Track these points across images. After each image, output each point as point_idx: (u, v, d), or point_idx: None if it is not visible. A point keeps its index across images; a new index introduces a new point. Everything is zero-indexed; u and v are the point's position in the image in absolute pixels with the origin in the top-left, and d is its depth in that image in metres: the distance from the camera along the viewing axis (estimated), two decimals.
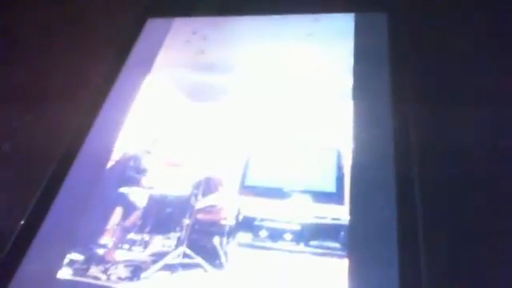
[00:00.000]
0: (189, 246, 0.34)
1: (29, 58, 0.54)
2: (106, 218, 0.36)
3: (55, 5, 0.60)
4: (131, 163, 0.39)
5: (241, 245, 0.33)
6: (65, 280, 0.33)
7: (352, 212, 0.33)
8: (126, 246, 0.34)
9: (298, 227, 0.33)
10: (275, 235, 0.33)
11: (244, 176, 0.37)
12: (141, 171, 0.39)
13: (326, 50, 0.45)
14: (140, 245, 0.34)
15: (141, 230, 0.35)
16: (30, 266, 0.34)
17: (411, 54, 0.43)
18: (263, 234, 0.33)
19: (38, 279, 0.34)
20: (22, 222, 0.37)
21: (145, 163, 0.39)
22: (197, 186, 0.37)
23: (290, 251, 0.32)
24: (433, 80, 0.43)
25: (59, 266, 0.34)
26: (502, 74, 0.43)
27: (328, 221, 0.33)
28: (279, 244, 0.33)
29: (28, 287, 0.34)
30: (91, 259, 0.34)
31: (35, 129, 0.46)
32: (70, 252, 0.35)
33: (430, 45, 0.46)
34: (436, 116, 0.40)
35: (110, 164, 0.40)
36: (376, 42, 0.44)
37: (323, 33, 0.47)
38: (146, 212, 0.36)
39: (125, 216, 0.36)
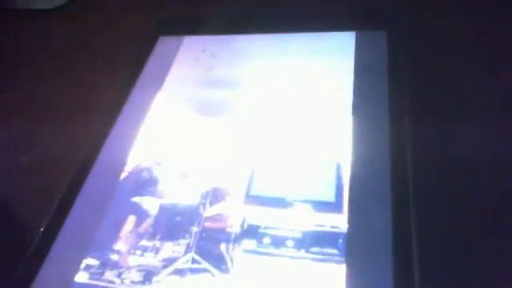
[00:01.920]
0: (197, 252, 0.36)
1: (45, 74, 0.57)
2: (119, 226, 0.38)
3: (69, 24, 0.63)
4: (143, 174, 0.42)
5: (246, 251, 0.35)
6: (82, 283, 0.35)
7: (350, 220, 0.35)
8: (139, 252, 0.37)
9: (299, 234, 0.35)
10: (278, 242, 0.35)
11: (249, 186, 0.39)
12: (152, 182, 0.41)
13: (328, 68, 0.47)
14: (152, 251, 0.36)
15: (152, 236, 0.37)
16: (49, 269, 0.37)
17: (410, 70, 0.44)
18: (267, 240, 0.35)
19: (57, 282, 0.36)
20: (42, 229, 0.39)
21: (156, 174, 0.42)
22: (205, 196, 0.39)
23: (292, 257, 0.34)
24: (431, 96, 0.45)
25: (76, 270, 0.36)
26: (501, 89, 0.45)
27: (327, 228, 0.35)
28: (282, 250, 0.35)
29: None
30: (106, 264, 0.36)
31: (53, 141, 0.48)
32: (86, 257, 0.37)
33: (428, 62, 0.48)
34: (432, 131, 0.42)
35: (123, 175, 0.42)
36: (376, 60, 0.46)
37: (326, 50, 0.49)
38: (157, 220, 0.38)
39: (137, 224, 0.38)
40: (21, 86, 0.56)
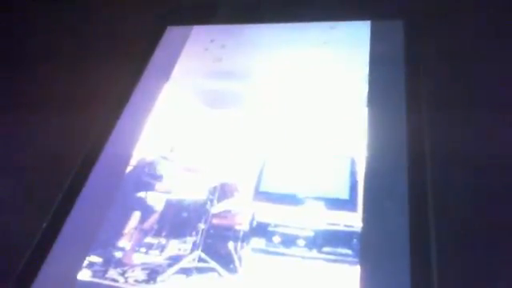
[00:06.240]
0: (204, 251, 0.34)
1: (49, 64, 0.56)
2: (124, 222, 0.37)
3: (79, 15, 0.61)
4: (149, 169, 0.40)
5: (255, 250, 0.34)
6: (84, 281, 0.34)
7: (365, 219, 0.33)
8: (143, 250, 0.35)
9: (311, 233, 0.34)
10: (288, 241, 0.34)
11: (259, 182, 0.37)
12: (158, 177, 0.40)
13: (342, 58, 0.45)
14: (157, 248, 0.35)
15: (157, 233, 0.36)
16: (51, 266, 0.36)
17: (426, 61, 0.43)
18: (277, 239, 0.34)
19: (59, 280, 0.35)
20: (45, 225, 0.38)
21: (162, 169, 0.40)
22: (212, 192, 0.38)
23: (303, 257, 0.33)
24: (448, 88, 0.43)
25: (79, 268, 0.35)
26: None
27: (341, 227, 0.34)
28: (292, 250, 0.33)
29: (50, 287, 0.35)
30: (110, 262, 0.35)
31: (59, 134, 0.47)
32: (89, 254, 0.36)
33: (445, 52, 0.46)
34: (451, 124, 0.40)
35: (128, 169, 0.41)
36: (392, 50, 0.44)
37: (339, 40, 0.47)
38: (163, 216, 0.37)
39: (142, 220, 0.37)
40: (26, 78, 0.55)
